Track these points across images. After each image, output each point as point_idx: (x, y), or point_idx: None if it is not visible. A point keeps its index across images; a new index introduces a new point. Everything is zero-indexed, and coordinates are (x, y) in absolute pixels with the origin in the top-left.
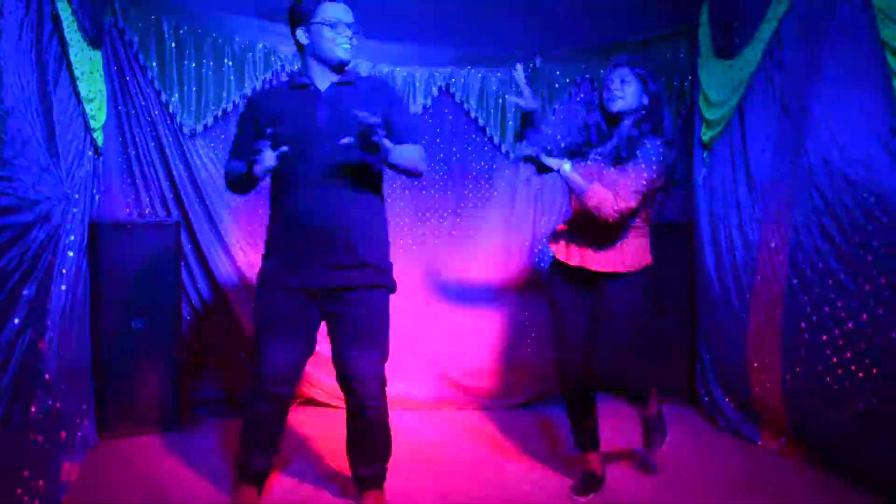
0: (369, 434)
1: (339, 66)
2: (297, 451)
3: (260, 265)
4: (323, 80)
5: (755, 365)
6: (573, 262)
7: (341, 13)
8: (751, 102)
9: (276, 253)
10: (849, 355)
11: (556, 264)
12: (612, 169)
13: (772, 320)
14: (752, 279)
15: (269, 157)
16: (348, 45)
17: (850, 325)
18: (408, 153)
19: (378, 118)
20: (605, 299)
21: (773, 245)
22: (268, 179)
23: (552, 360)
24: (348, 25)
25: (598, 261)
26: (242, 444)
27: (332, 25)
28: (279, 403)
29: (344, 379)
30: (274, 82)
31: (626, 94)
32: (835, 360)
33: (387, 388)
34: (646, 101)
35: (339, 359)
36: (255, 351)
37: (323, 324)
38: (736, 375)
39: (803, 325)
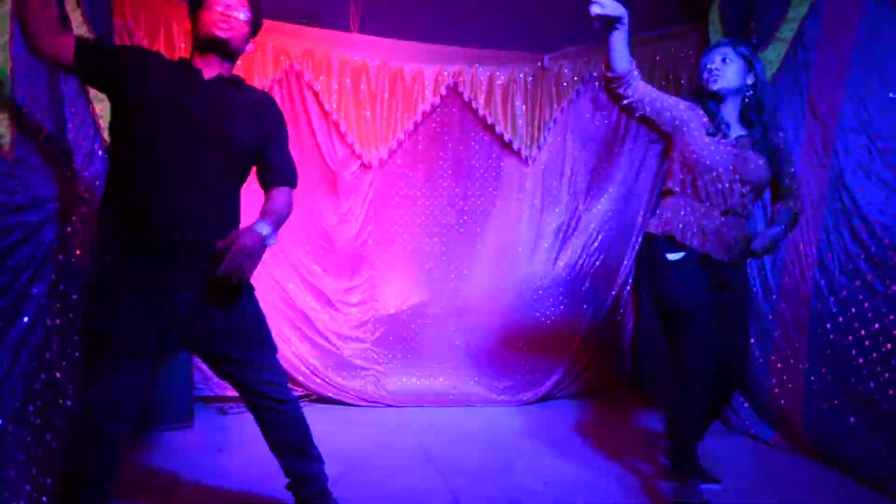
0: (302, 429)
1: (213, 47)
2: None
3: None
4: (209, 67)
5: (779, 366)
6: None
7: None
8: (776, 103)
9: (125, 251)
10: (875, 356)
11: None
12: (759, 156)
13: (798, 321)
14: (781, 280)
15: None
16: (226, 24)
17: (876, 325)
18: (281, 215)
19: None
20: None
21: (801, 246)
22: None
23: (559, 358)
24: (230, 6)
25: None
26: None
27: (212, 5)
28: (116, 445)
29: (254, 391)
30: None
31: (726, 72)
32: (861, 360)
33: (395, 385)
34: (750, 79)
35: (237, 365)
36: (85, 377)
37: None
38: (755, 375)
39: (829, 325)
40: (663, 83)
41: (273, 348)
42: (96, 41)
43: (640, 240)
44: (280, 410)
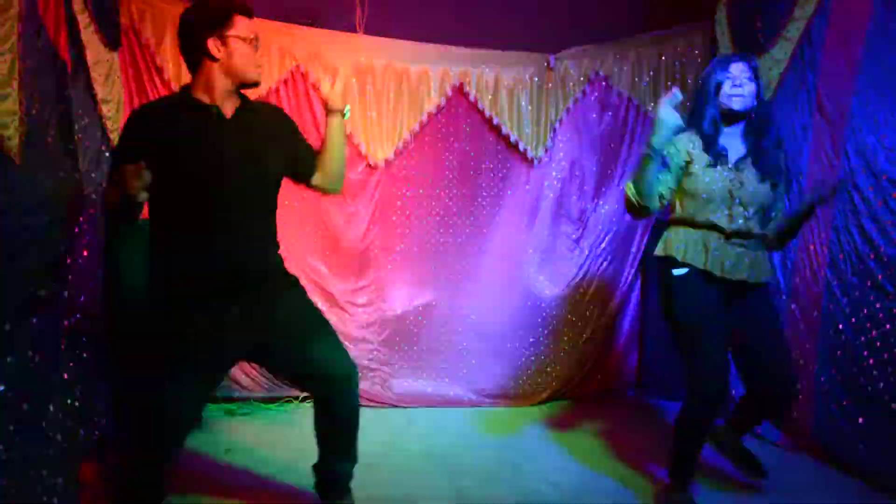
0: (353, 426)
1: (252, 87)
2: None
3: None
4: (227, 103)
5: None
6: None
7: (255, 29)
8: (782, 102)
9: (177, 289)
10: (886, 357)
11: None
12: (756, 181)
13: (809, 322)
14: (791, 281)
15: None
16: (259, 67)
17: (887, 326)
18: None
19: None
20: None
21: (812, 247)
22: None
23: (566, 359)
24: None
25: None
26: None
27: (251, 43)
28: (167, 459)
29: (318, 380)
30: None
31: (746, 93)
32: (871, 360)
33: (402, 386)
34: (761, 98)
35: (301, 362)
36: (141, 396)
37: None
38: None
39: (841, 326)
40: (669, 83)
41: (329, 332)
42: (119, 158)
43: (646, 241)
44: (337, 405)
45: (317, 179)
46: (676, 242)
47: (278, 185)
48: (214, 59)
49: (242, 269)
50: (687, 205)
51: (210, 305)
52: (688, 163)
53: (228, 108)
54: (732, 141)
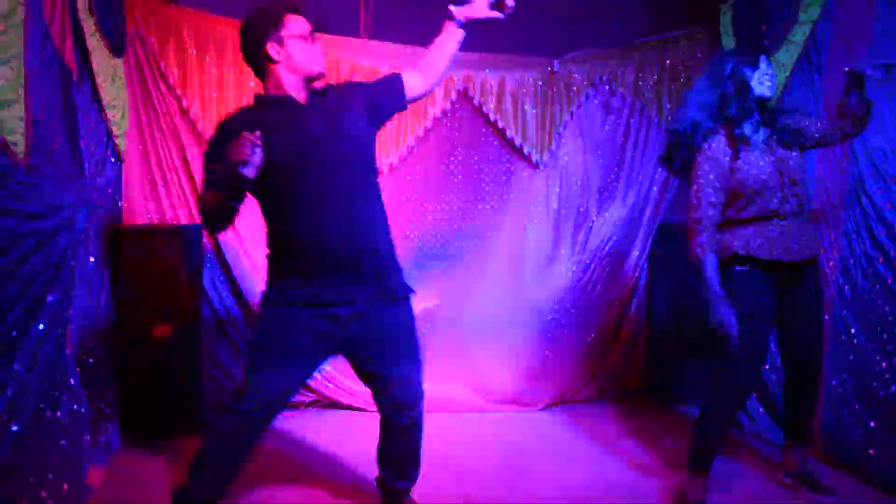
0: (413, 449)
1: (318, 79)
2: (319, 457)
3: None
4: (298, 94)
5: None
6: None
7: (308, 26)
8: (789, 106)
9: (293, 275)
10: None
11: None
12: (791, 152)
13: None
14: None
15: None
16: (323, 58)
17: None
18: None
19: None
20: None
21: (822, 251)
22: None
23: (571, 363)
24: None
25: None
26: (193, 473)
27: (306, 38)
28: (247, 440)
29: (392, 401)
30: None
31: (773, 83)
32: (884, 364)
33: None
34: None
35: (380, 382)
36: (247, 366)
37: None
38: (772, 380)
39: (854, 330)
40: (673, 86)
41: (416, 365)
42: (207, 173)
43: (650, 245)
44: (401, 427)
45: (412, 91)
46: (734, 241)
47: (372, 149)
48: (276, 62)
49: (354, 242)
50: (734, 201)
51: (325, 298)
52: (726, 180)
53: (301, 98)
54: (754, 125)
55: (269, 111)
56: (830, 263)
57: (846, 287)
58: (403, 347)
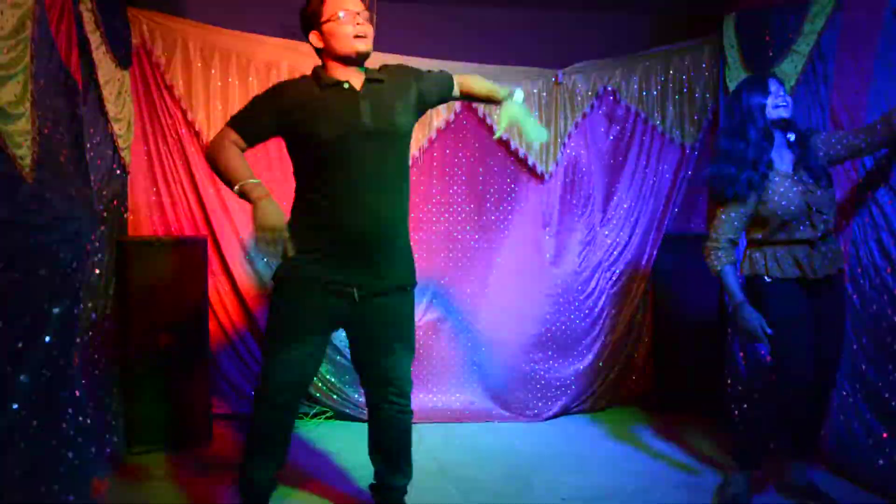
0: (403, 440)
1: (359, 60)
2: (325, 469)
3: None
4: (354, 78)
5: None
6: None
7: (349, 3)
8: (795, 116)
9: (315, 249)
10: None
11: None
12: (818, 188)
13: None
14: None
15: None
16: (364, 36)
17: None
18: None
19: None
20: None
21: None
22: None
23: (576, 373)
24: (359, 14)
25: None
26: (244, 454)
27: (343, 18)
28: (286, 415)
29: (381, 388)
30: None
31: (789, 102)
32: None
33: (413, 401)
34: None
35: (374, 368)
36: (267, 349)
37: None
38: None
39: (865, 340)
40: (677, 97)
41: (410, 355)
42: (249, 112)
43: (655, 254)
44: (391, 416)
45: (455, 92)
46: (763, 260)
47: (409, 142)
48: (321, 49)
49: (378, 232)
50: (763, 227)
51: (338, 278)
52: (753, 200)
53: (357, 82)
54: (781, 151)
55: (322, 90)
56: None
57: (854, 296)
58: (402, 337)
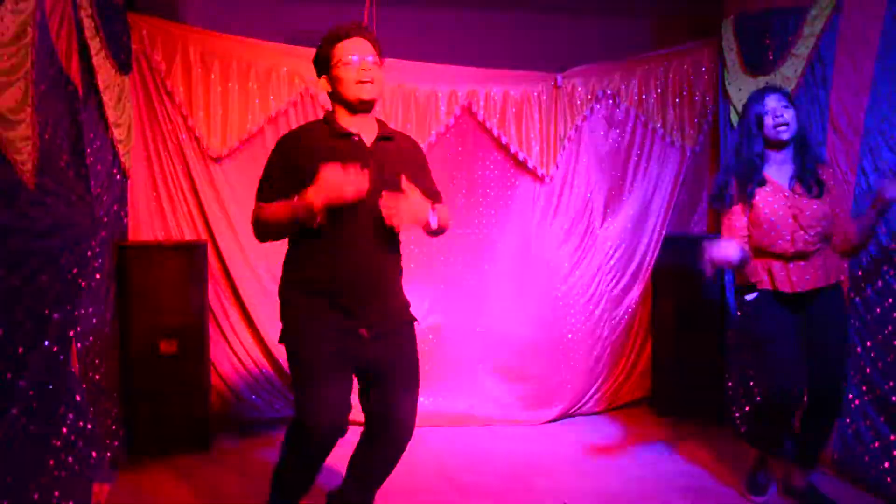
0: (385, 474)
1: (361, 107)
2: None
3: (293, 302)
4: (365, 130)
5: None
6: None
7: (358, 48)
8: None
9: (318, 294)
10: None
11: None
12: (812, 201)
13: None
14: None
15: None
16: (370, 81)
17: None
18: (444, 214)
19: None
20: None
21: None
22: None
23: (577, 377)
24: (366, 59)
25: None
26: (278, 493)
27: (348, 64)
28: (329, 447)
29: (383, 423)
30: (297, 104)
31: (790, 121)
32: None
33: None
34: (800, 123)
35: (380, 405)
36: (305, 394)
37: None
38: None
39: (869, 343)
40: (677, 100)
41: (412, 393)
42: (267, 182)
43: (655, 257)
44: (387, 446)
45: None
46: (749, 269)
47: None
48: (331, 94)
49: (366, 283)
50: (754, 233)
51: (350, 318)
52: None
53: (369, 136)
54: (782, 167)
55: (333, 140)
56: (842, 277)
57: (857, 300)
58: (408, 374)
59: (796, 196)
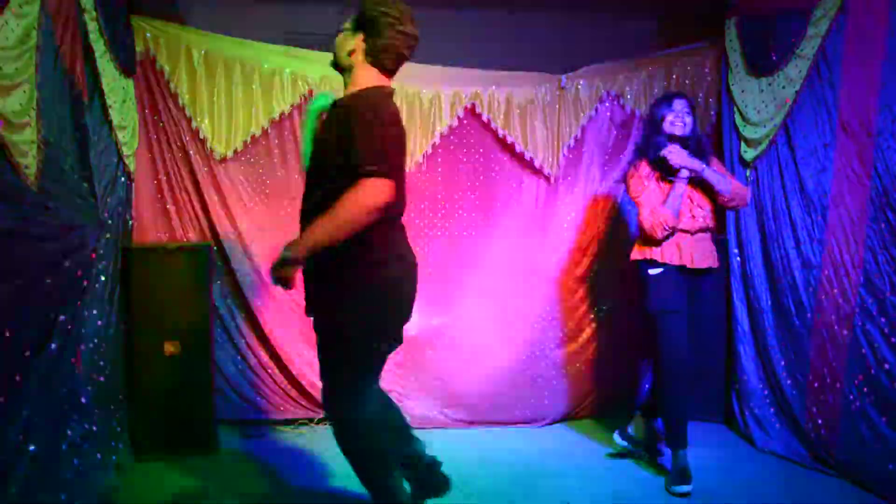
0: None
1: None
2: (331, 472)
3: (374, 273)
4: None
5: (815, 385)
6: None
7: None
8: (799, 121)
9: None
10: None
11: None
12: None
13: (836, 341)
14: (817, 299)
15: None
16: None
17: None
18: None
19: None
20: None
21: (841, 266)
22: None
23: (581, 378)
24: None
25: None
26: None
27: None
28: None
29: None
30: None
31: (686, 122)
32: None
33: (414, 408)
34: (696, 129)
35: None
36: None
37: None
38: (784, 393)
39: (878, 344)
40: None
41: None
42: (394, 152)
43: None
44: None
45: None
46: (653, 246)
47: (340, 174)
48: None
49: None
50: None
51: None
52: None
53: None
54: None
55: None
56: (851, 278)
57: (869, 299)
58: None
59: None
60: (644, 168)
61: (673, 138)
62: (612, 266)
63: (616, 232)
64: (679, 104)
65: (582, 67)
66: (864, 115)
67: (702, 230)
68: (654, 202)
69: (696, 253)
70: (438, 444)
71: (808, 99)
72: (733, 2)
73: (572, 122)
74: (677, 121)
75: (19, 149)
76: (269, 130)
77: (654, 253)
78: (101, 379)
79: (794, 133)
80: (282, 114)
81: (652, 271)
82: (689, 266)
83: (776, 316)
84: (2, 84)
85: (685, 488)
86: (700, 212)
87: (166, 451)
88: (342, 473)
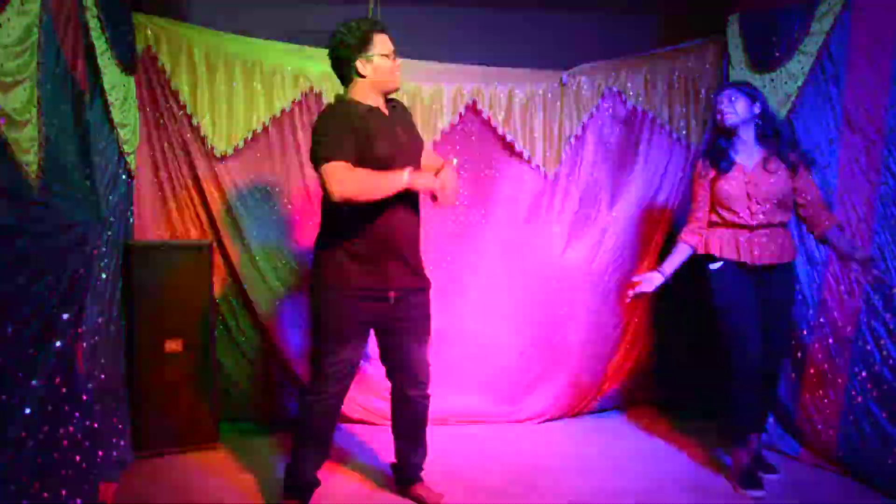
0: (423, 422)
1: (392, 92)
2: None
3: (329, 269)
4: (381, 105)
5: (815, 380)
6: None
7: (391, 43)
8: (803, 117)
9: (359, 261)
10: None
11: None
12: (770, 178)
13: (840, 336)
14: (821, 295)
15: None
16: (397, 74)
17: None
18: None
19: None
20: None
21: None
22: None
23: (581, 376)
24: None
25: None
26: (294, 455)
27: (387, 55)
28: (337, 405)
29: (409, 375)
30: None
31: (727, 112)
32: None
33: None
34: (758, 109)
35: (402, 357)
36: (321, 351)
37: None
38: (783, 389)
39: (884, 341)
40: (683, 97)
41: (427, 347)
42: (335, 138)
43: (660, 254)
44: (416, 399)
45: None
46: (713, 241)
47: None
48: (363, 77)
49: (409, 237)
50: (716, 209)
51: (379, 283)
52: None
53: (385, 110)
54: (747, 148)
55: (369, 115)
56: (855, 274)
57: (875, 297)
58: (423, 331)
59: (756, 174)
60: (700, 166)
61: (727, 131)
62: (614, 263)
63: (616, 231)
64: (719, 98)
65: (584, 64)
66: (873, 112)
67: (762, 226)
68: (694, 208)
69: (757, 249)
70: (437, 440)
71: (811, 95)
72: None
73: (574, 119)
74: (718, 116)
75: (20, 146)
76: (269, 127)
77: (712, 247)
78: (103, 376)
79: (798, 129)
80: (283, 111)
81: (712, 266)
82: (749, 263)
83: None
84: (3, 81)
85: (759, 493)
86: (758, 207)
87: (167, 448)
88: (343, 470)
